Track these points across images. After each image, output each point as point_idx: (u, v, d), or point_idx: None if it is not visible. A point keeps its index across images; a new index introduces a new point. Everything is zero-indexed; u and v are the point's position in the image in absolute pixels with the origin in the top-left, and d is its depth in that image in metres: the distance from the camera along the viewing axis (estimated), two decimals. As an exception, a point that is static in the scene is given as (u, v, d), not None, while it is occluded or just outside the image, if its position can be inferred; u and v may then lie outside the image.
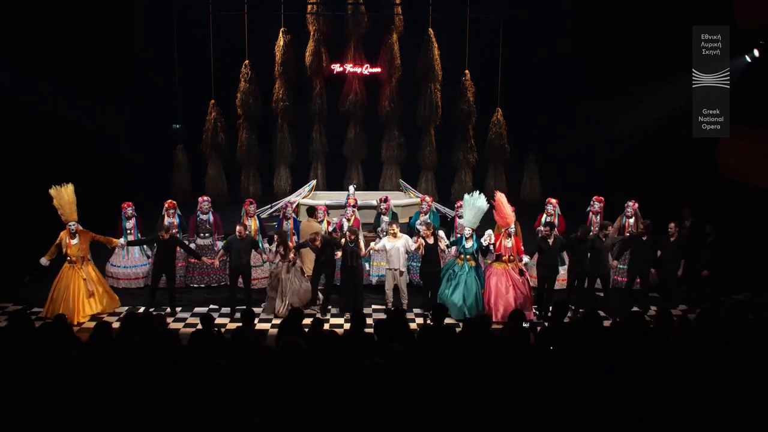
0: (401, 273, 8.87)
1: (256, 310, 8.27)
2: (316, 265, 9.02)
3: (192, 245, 9.54)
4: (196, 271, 9.87)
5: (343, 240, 8.87)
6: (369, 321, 8.40)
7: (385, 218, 9.96)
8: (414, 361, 4.68)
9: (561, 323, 6.53)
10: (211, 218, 9.96)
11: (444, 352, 5.04)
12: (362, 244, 9.07)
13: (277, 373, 4.43)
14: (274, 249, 9.06)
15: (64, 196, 8.60)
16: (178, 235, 9.76)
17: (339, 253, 8.89)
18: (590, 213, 9.92)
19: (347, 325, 8.43)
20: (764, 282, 9.82)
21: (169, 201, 9.99)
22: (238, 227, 8.89)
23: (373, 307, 9.24)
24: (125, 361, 4.66)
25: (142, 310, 8.87)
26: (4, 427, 4.06)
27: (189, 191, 15.10)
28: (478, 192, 9.05)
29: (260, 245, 9.57)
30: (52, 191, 8.58)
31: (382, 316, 8.63)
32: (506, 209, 8.95)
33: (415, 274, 9.61)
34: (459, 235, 9.12)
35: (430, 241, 8.84)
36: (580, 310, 8.76)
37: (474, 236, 8.82)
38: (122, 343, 5.34)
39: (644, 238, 8.80)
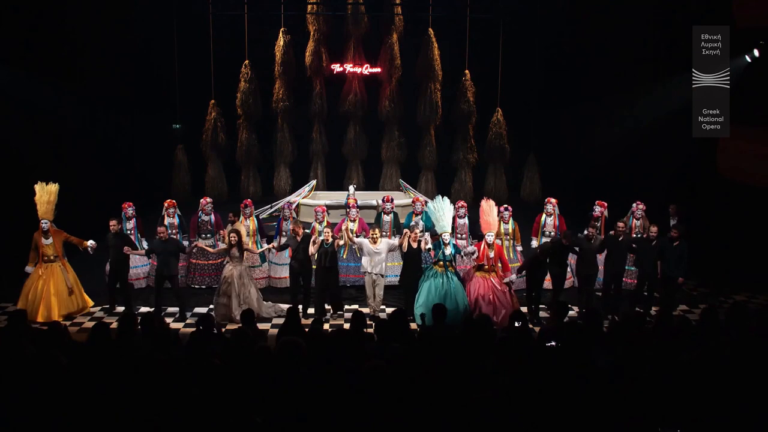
0: (381, 276, 8.68)
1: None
2: (292, 268, 8.85)
3: (193, 246, 9.54)
4: (197, 272, 9.88)
5: (320, 239, 8.74)
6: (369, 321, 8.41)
7: (387, 218, 9.95)
8: (414, 361, 4.68)
9: (561, 323, 6.53)
10: (213, 219, 9.97)
11: (444, 352, 5.04)
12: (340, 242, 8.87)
13: (277, 372, 4.43)
14: (220, 245, 8.85)
15: (44, 195, 8.61)
16: (178, 235, 9.78)
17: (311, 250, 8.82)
18: (592, 217, 9.86)
19: (347, 325, 8.39)
20: (764, 282, 9.82)
21: (169, 201, 10.01)
22: (159, 228, 8.72)
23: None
24: (124, 362, 4.66)
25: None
26: (4, 427, 4.06)
27: (189, 191, 15.12)
28: (441, 196, 8.88)
29: (258, 245, 9.62)
30: (37, 186, 8.63)
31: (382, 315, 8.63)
32: (489, 216, 8.79)
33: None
34: (445, 239, 8.67)
35: (414, 245, 8.66)
36: (579, 311, 8.77)
37: (451, 242, 8.63)
38: (121, 343, 5.35)
39: (620, 239, 8.75)
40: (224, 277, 8.63)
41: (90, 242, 8.82)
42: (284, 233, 9.85)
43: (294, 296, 8.98)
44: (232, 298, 8.50)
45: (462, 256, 8.82)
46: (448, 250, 8.52)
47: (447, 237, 8.55)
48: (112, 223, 8.82)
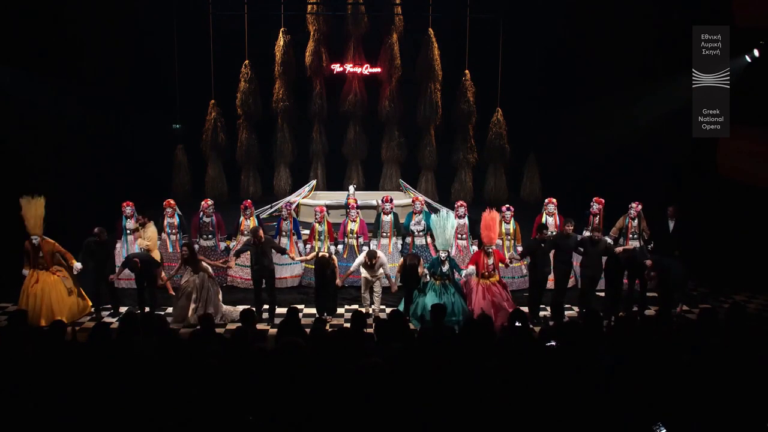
0: (378, 278, 8.65)
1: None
2: (254, 269, 8.68)
3: (195, 246, 9.52)
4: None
5: (312, 253, 8.74)
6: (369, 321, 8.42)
7: (386, 218, 9.94)
8: (414, 361, 4.68)
9: (561, 322, 6.54)
10: (214, 220, 9.96)
11: (444, 352, 5.04)
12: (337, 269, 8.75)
13: (276, 372, 4.43)
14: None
15: (32, 209, 8.42)
16: (178, 235, 9.80)
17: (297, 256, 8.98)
18: (590, 215, 9.87)
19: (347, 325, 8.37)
20: (764, 282, 9.83)
21: (168, 201, 10.01)
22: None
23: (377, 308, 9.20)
24: (124, 362, 4.67)
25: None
26: (4, 427, 4.07)
27: (189, 191, 15.13)
28: (445, 211, 8.69)
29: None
30: (23, 201, 8.45)
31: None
32: (491, 231, 8.56)
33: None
34: (442, 255, 8.53)
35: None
36: (580, 311, 8.76)
37: (449, 258, 8.47)
38: (122, 343, 5.35)
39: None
40: (186, 281, 8.56)
41: (77, 265, 8.67)
42: (284, 233, 9.85)
43: (258, 297, 8.79)
44: (191, 301, 8.42)
45: (460, 275, 8.65)
46: (446, 267, 8.39)
47: (444, 255, 8.39)
48: (104, 232, 8.68)
